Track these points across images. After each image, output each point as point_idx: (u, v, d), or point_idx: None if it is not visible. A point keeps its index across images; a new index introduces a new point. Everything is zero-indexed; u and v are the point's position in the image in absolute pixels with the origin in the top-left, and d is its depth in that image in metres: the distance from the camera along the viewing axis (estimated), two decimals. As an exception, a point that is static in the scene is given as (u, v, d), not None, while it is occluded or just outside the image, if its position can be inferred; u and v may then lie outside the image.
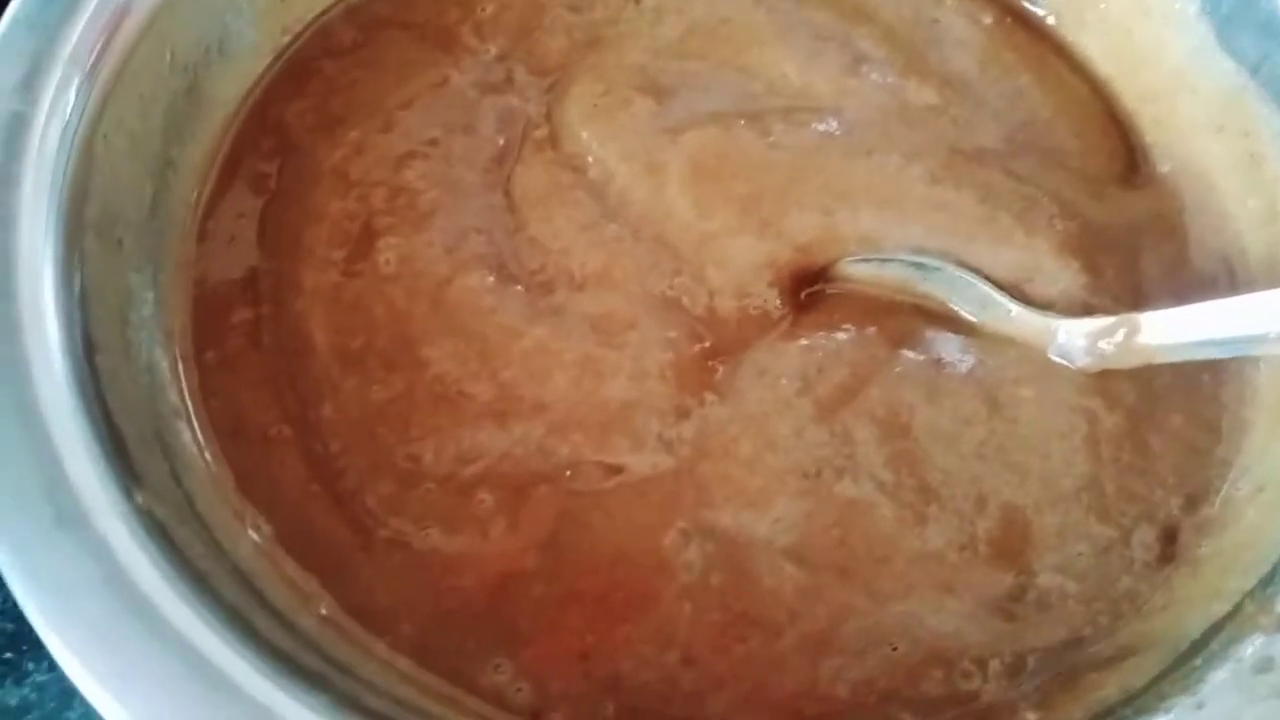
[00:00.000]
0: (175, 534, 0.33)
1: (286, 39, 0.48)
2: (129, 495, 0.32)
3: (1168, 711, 0.31)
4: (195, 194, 0.44)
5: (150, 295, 0.41)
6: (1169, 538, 0.39)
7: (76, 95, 0.39)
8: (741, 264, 0.43)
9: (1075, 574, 0.38)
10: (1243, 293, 0.43)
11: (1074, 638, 0.37)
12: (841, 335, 0.42)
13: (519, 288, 0.42)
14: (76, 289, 0.36)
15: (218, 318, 0.42)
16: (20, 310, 0.34)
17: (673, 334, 0.41)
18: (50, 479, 0.32)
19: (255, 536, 0.38)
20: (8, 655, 0.42)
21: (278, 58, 0.48)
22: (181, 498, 0.36)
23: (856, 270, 0.44)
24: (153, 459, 0.36)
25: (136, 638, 0.30)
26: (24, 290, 0.35)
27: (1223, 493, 0.40)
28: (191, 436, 0.39)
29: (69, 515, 0.31)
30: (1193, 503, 0.40)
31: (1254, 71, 0.44)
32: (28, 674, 0.42)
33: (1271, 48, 0.43)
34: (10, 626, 0.42)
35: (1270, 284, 0.42)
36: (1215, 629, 0.34)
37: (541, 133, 0.47)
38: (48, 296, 0.35)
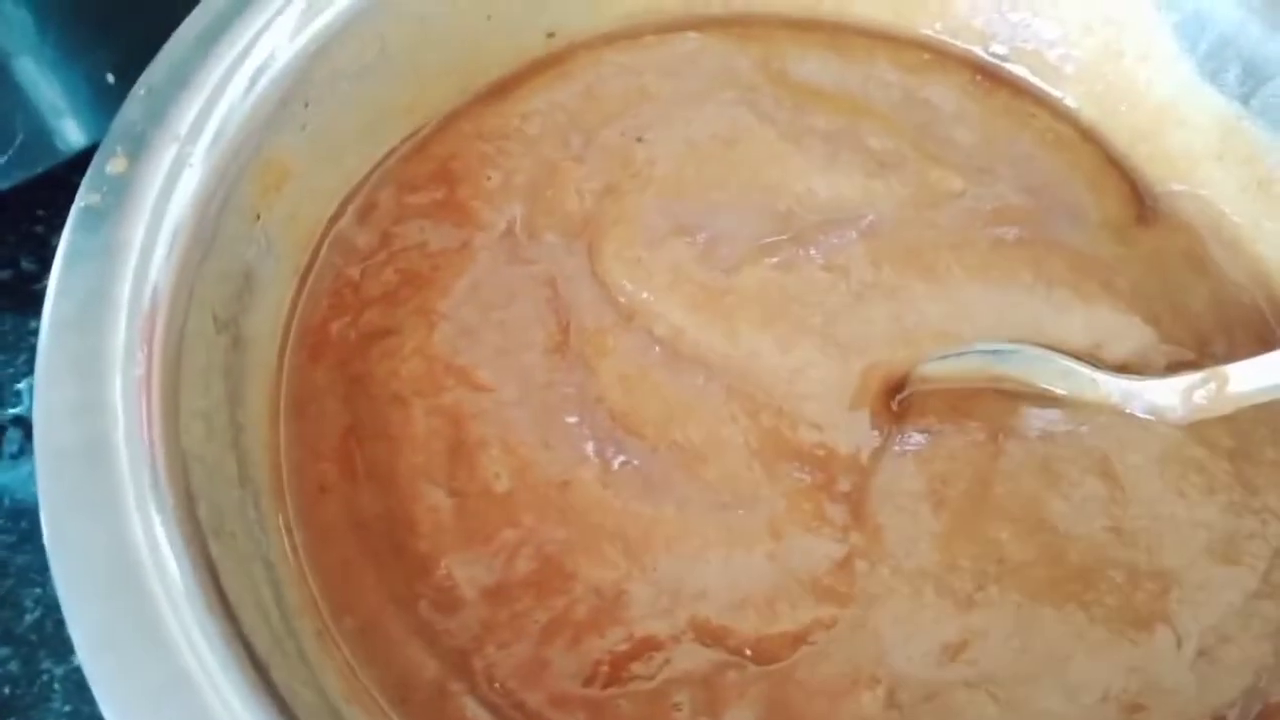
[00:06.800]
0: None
1: (306, 256, 0.46)
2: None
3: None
4: (271, 448, 0.42)
5: (269, 576, 0.39)
6: (1298, 567, 0.42)
7: (144, 397, 0.36)
8: (834, 392, 0.44)
9: (1233, 623, 0.40)
10: (1285, 315, 0.46)
11: (1254, 686, 0.39)
12: (945, 437, 0.43)
13: (633, 468, 0.42)
14: (219, 608, 0.34)
15: (344, 583, 0.40)
16: (187, 665, 0.32)
17: (797, 482, 0.42)
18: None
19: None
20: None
21: (304, 279, 0.46)
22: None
23: (935, 369, 0.45)
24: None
25: None
26: (179, 641, 0.32)
27: (1330, 513, 0.43)
28: (367, 713, 0.37)
29: None
30: (1308, 528, 0.43)
31: (1245, 102, 0.47)
32: None
33: (1259, 81, 0.46)
34: None
35: (1308, 303, 0.46)
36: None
37: (590, 296, 0.46)
38: (203, 645, 0.33)
